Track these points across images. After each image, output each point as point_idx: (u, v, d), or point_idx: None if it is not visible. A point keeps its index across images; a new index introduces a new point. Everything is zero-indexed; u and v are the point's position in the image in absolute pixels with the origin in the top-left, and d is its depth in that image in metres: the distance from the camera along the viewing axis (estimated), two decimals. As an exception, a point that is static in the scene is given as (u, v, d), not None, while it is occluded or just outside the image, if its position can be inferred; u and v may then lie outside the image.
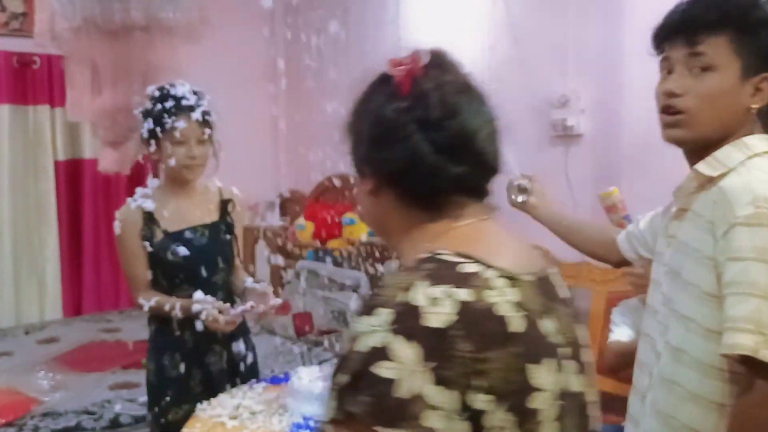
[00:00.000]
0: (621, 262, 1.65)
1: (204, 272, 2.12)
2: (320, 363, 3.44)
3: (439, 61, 0.98)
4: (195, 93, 2.08)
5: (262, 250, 4.72)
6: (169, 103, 2.03)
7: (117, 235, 2.09)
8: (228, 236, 2.21)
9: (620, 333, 2.14)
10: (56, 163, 4.34)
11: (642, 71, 3.14)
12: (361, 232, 4.10)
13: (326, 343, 3.67)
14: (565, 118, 3.39)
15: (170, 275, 2.11)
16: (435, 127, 0.87)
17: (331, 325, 3.73)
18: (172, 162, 2.06)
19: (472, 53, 3.83)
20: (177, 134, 2.01)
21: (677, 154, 1.48)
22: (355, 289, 3.82)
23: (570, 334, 0.87)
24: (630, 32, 3.12)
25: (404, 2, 4.25)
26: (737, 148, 1.22)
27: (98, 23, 2.88)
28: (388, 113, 0.90)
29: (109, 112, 3.09)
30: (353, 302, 3.75)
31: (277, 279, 4.54)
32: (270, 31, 5.22)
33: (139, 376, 3.23)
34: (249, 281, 2.21)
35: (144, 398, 2.94)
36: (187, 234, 2.11)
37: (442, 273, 0.79)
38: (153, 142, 2.06)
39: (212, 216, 2.20)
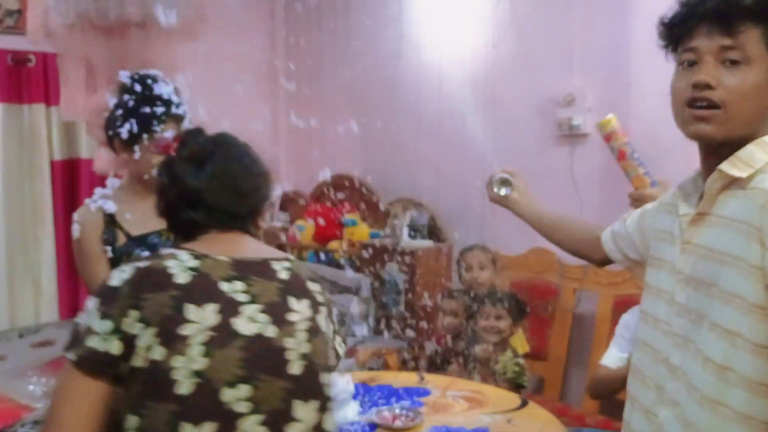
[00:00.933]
0: (604, 261, 1.60)
1: None
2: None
3: (184, 138, 1.38)
4: (177, 94, 1.95)
5: (261, 251, 4.64)
6: (159, 108, 1.88)
7: (75, 239, 1.92)
8: None
9: (610, 356, 2.09)
10: (52, 163, 4.26)
11: (650, 68, 3.10)
12: (362, 234, 4.03)
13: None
14: (570, 117, 3.33)
15: None
16: (173, 188, 1.32)
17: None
18: (154, 171, 1.93)
19: (476, 51, 3.77)
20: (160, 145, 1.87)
21: (686, 153, 1.41)
22: (355, 291, 3.75)
23: (268, 298, 1.20)
24: (637, 28, 3.06)
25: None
26: (760, 148, 1.15)
27: (92, 19, 2.81)
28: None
29: (104, 110, 3.00)
30: (353, 305, 3.68)
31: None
32: (270, 29, 5.15)
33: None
34: None
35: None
36: (152, 239, 1.96)
37: (152, 256, 1.23)
38: (131, 144, 1.90)
39: None
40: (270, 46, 5.14)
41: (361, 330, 3.68)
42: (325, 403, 1.23)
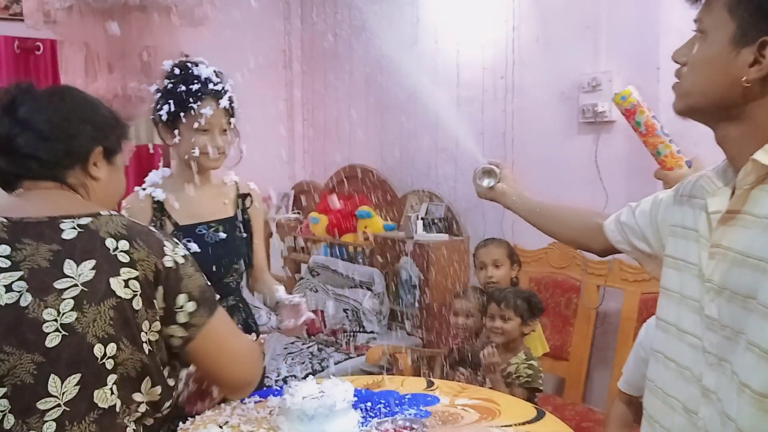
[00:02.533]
0: (606, 251, 1.49)
1: (216, 272, 1.92)
2: (329, 365, 3.23)
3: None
4: (218, 76, 1.92)
5: (275, 243, 4.52)
6: (195, 86, 1.85)
7: None
8: (244, 234, 2.03)
9: (629, 377, 1.96)
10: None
11: (680, 50, 2.90)
12: (377, 226, 3.88)
13: (337, 343, 3.46)
14: (595, 103, 3.14)
15: None
16: None
17: (343, 324, 3.52)
18: (196, 152, 1.88)
19: (495, 34, 3.58)
20: (202, 121, 1.85)
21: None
22: (368, 286, 3.60)
23: (35, 263, 1.13)
24: (667, 7, 2.86)
25: (423, -19, 4.01)
26: None
27: (90, 3, 2.68)
28: None
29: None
30: (366, 300, 3.54)
31: (292, 274, 4.34)
32: (284, 14, 5.01)
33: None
34: (280, 292, 2.03)
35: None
36: (200, 229, 1.93)
37: None
38: (172, 126, 1.89)
39: (227, 211, 2.02)
40: (283, 32, 4.99)
41: (373, 326, 3.53)
42: (96, 376, 1.14)
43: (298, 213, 4.63)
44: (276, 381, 2.98)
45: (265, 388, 1.98)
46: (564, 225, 1.60)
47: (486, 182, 1.69)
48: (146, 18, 2.89)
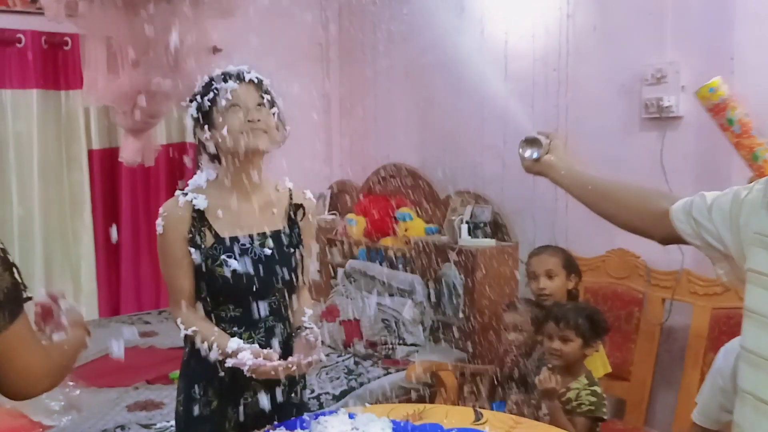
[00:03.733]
0: (669, 240, 1.32)
1: (257, 292, 1.72)
2: (366, 380, 3.01)
3: None
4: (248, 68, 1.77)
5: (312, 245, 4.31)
6: (216, 73, 1.73)
7: (159, 235, 1.72)
8: (292, 250, 1.80)
9: (704, 409, 1.71)
10: (90, 152, 4.04)
11: (755, 38, 2.59)
12: (418, 229, 3.64)
13: (375, 356, 3.23)
14: (660, 97, 2.86)
15: (216, 291, 1.71)
16: None
17: (382, 336, 3.29)
18: (223, 134, 1.68)
19: (548, 23, 3.31)
20: (230, 96, 1.67)
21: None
22: (409, 294, 3.37)
23: None
24: (743, -10, 2.56)
25: (468, -32, 3.75)
26: None
27: (111, -7, 2.51)
28: None
29: (128, 95, 2.72)
30: (407, 309, 3.30)
31: (327, 279, 4.13)
32: (321, 4, 4.79)
33: (164, 395, 2.90)
34: (307, 316, 1.80)
35: (161, 424, 2.60)
36: (244, 242, 1.73)
37: None
38: (202, 119, 1.72)
39: (277, 223, 1.80)
40: (320, 24, 4.77)
41: (414, 337, 3.29)
42: None
43: (335, 214, 4.42)
44: (309, 399, 2.77)
45: (293, 415, 1.77)
46: (621, 206, 1.39)
47: (529, 153, 1.51)
48: (172, 9, 2.69)
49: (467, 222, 3.30)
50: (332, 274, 4.09)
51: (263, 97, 1.71)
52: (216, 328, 1.69)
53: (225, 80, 1.69)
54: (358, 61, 4.62)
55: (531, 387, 2.33)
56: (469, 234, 3.28)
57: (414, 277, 3.38)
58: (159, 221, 1.71)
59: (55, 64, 3.91)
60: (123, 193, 4.14)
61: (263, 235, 1.76)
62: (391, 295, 3.43)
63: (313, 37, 4.71)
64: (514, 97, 3.43)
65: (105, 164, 4.06)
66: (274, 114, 1.74)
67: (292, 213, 1.83)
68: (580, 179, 1.46)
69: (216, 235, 1.71)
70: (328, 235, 4.19)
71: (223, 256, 1.69)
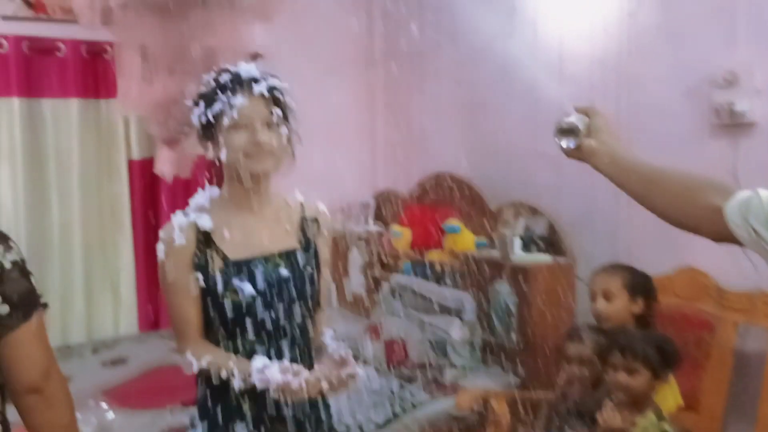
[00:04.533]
0: (723, 240, 1.15)
1: (275, 319, 1.57)
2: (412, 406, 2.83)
3: None
4: (261, 74, 1.57)
5: (354, 258, 4.16)
6: (225, 77, 1.54)
7: (160, 261, 1.56)
8: (310, 269, 1.64)
9: None
10: (130, 163, 3.96)
11: None
12: (467, 243, 3.44)
13: (422, 380, 3.05)
14: (732, 102, 2.62)
15: (228, 320, 1.55)
16: None
17: (429, 357, 3.10)
18: (225, 156, 1.53)
19: (606, 22, 3.08)
20: (235, 114, 1.51)
21: None
22: (457, 313, 3.17)
23: None
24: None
25: (520, -34, 3.54)
26: None
27: (144, -1, 2.39)
28: None
29: (162, 104, 2.61)
30: (455, 329, 3.11)
31: (371, 294, 3.97)
32: (365, 8, 4.64)
33: (198, 418, 2.78)
34: (328, 336, 1.65)
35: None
36: (255, 265, 1.57)
37: None
38: (203, 132, 1.57)
39: (290, 241, 1.64)
40: (365, 28, 4.62)
41: (463, 360, 3.10)
42: None
43: (379, 225, 4.25)
44: (348, 429, 2.61)
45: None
46: (668, 198, 1.23)
47: (565, 143, 1.34)
48: (208, 14, 2.57)
49: (520, 236, 3.09)
50: (376, 288, 3.92)
51: (273, 114, 1.55)
52: (232, 355, 1.54)
53: (233, 91, 1.52)
54: (403, 65, 4.44)
55: (593, 422, 2.12)
56: (523, 249, 3.07)
57: (463, 295, 3.19)
58: (160, 246, 1.55)
59: (95, 73, 3.85)
60: (163, 204, 4.05)
61: (277, 255, 1.61)
62: (438, 313, 3.24)
63: (356, 42, 4.56)
64: (571, 101, 3.20)
65: (145, 174, 3.97)
66: (283, 133, 1.58)
67: (305, 229, 1.68)
68: (623, 167, 1.28)
69: (225, 258, 1.55)
70: (372, 247, 4.02)
71: (234, 281, 1.53)
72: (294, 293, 1.60)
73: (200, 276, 1.54)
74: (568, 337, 2.37)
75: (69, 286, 3.81)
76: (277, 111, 1.55)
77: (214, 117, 1.53)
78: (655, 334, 2.18)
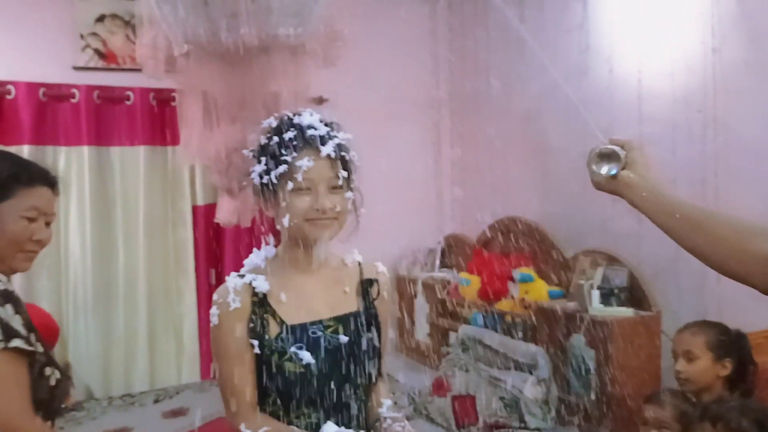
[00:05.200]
0: None
1: (335, 390, 1.44)
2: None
3: None
4: (326, 124, 1.45)
5: (420, 305, 4.01)
6: (289, 134, 1.41)
7: (213, 327, 1.43)
8: (371, 335, 1.51)
9: None
10: (194, 208, 3.94)
11: None
12: (540, 293, 3.24)
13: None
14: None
15: (285, 391, 1.42)
16: None
17: (501, 417, 2.90)
18: (287, 221, 1.41)
19: (689, 58, 2.88)
20: (299, 177, 1.38)
21: None
22: (531, 368, 2.97)
23: None
24: None
25: (592, 2, 3.38)
26: None
27: (205, 46, 2.35)
28: None
29: (223, 153, 2.55)
30: (528, 387, 2.90)
31: (437, 345, 3.80)
32: (430, 50, 4.56)
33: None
34: (386, 407, 1.51)
35: None
36: (314, 330, 1.44)
37: None
38: (265, 191, 1.44)
39: (349, 305, 1.51)
40: (430, 69, 4.53)
41: (538, 420, 2.88)
42: None
43: (447, 271, 4.09)
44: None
45: None
46: (715, 242, 1.11)
47: (606, 169, 1.23)
48: (271, 60, 2.51)
49: (599, 287, 2.88)
50: (442, 338, 3.75)
51: (339, 176, 1.43)
52: (294, 428, 1.41)
53: (296, 150, 1.40)
54: (470, 106, 4.33)
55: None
56: (602, 301, 2.85)
57: (537, 349, 2.98)
58: (214, 310, 1.41)
59: (162, 120, 3.87)
60: (227, 250, 4.01)
61: (336, 320, 1.46)
62: (509, 368, 3.04)
63: (422, 83, 4.48)
64: (651, 142, 3.01)
65: (209, 220, 3.94)
66: (348, 197, 1.46)
67: (364, 291, 1.55)
68: (665, 205, 1.16)
69: (281, 323, 1.42)
70: (439, 294, 3.86)
71: (292, 349, 1.39)
72: (354, 361, 1.47)
73: (256, 343, 1.43)
74: (646, 400, 2.18)
75: (133, 334, 3.78)
76: (343, 173, 1.44)
77: (276, 177, 1.42)
78: (754, 405, 1.94)
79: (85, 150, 3.71)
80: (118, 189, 3.81)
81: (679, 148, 2.92)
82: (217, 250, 3.99)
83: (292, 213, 1.40)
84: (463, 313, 3.63)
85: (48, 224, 1.57)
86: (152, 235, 3.84)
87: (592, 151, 1.26)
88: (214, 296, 1.46)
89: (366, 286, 1.56)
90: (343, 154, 1.43)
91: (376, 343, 1.52)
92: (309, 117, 1.45)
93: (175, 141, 3.85)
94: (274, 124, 1.47)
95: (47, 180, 1.57)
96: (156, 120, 3.85)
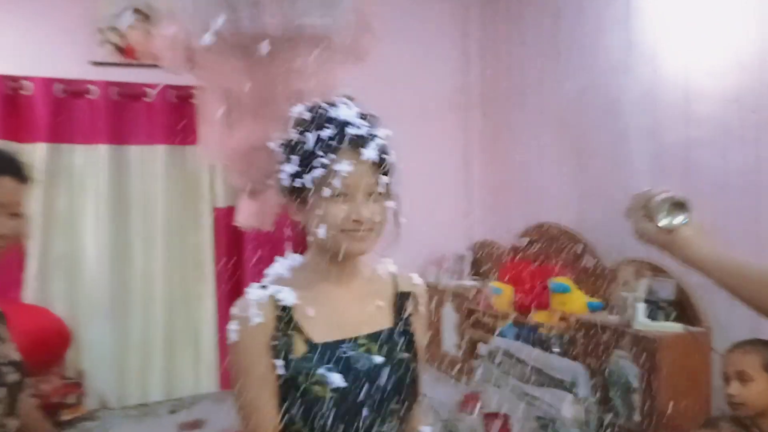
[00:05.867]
0: None
1: (368, 417, 1.28)
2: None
3: None
4: (365, 118, 1.29)
5: (448, 314, 3.83)
6: (327, 132, 1.25)
7: (232, 344, 1.29)
8: (407, 354, 1.35)
9: None
10: (215, 210, 3.80)
11: None
12: (578, 305, 3.05)
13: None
14: None
15: (311, 417, 1.26)
16: None
17: (536, 437, 2.72)
18: (321, 232, 1.25)
19: (741, 57, 2.68)
20: (337, 182, 1.24)
21: None
22: (569, 386, 2.78)
23: None
24: None
25: (635, -4, 3.19)
26: None
27: (226, 38, 2.20)
28: None
29: (244, 152, 2.40)
30: (566, 406, 2.71)
31: (467, 357, 3.62)
32: (461, 47, 4.39)
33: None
34: None
35: None
36: (344, 349, 1.30)
37: None
38: (297, 193, 1.28)
39: (384, 321, 1.37)
40: (461, 69, 4.36)
41: (578, 442, 2.69)
42: None
43: (477, 279, 3.91)
44: None
45: None
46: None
47: (680, 219, 1.24)
48: (294, 54, 2.35)
49: (645, 300, 2.69)
50: (472, 350, 3.57)
51: (380, 182, 1.27)
52: None
53: (335, 152, 1.24)
54: (502, 106, 4.15)
55: None
56: (648, 315, 2.66)
57: (575, 366, 2.79)
58: (233, 326, 1.27)
59: (182, 118, 3.73)
60: (247, 254, 3.86)
61: (369, 337, 1.31)
62: (544, 384, 2.86)
63: (452, 82, 4.31)
64: (699, 145, 2.82)
65: (229, 223, 3.79)
66: (388, 206, 1.30)
67: (400, 305, 1.38)
68: (726, 264, 1.22)
69: (309, 342, 1.27)
70: (469, 304, 3.67)
71: (321, 370, 1.24)
72: (389, 383, 1.30)
73: (280, 362, 1.26)
74: (702, 426, 2.01)
75: (149, 341, 3.65)
76: (384, 179, 1.27)
77: (311, 181, 1.26)
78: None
79: (103, 148, 3.58)
80: (137, 189, 3.68)
81: (731, 153, 2.71)
82: (238, 253, 3.84)
83: (325, 221, 1.24)
84: (493, 324, 3.44)
85: (14, 215, 1.43)
86: (171, 238, 3.70)
87: (650, 197, 1.22)
88: (233, 309, 1.31)
89: (401, 299, 1.41)
90: (384, 157, 1.27)
91: (413, 364, 1.36)
92: (346, 110, 1.29)
93: (195, 140, 3.71)
94: (307, 116, 1.31)
95: (10, 169, 1.43)
96: (176, 118, 3.72)
